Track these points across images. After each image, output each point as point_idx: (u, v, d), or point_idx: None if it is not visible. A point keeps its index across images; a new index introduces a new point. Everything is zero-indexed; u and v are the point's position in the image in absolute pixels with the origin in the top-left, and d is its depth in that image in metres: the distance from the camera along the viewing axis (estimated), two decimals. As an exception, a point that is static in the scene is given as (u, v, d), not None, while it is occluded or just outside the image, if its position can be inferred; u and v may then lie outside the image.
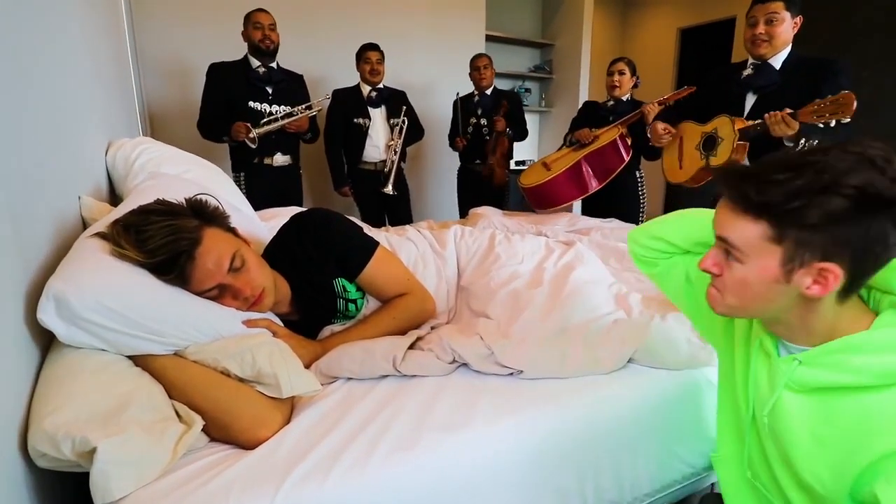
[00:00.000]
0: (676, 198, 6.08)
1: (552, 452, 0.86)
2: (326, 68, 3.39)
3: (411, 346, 1.02)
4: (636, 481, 0.96)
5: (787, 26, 1.70)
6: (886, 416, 0.57)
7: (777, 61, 1.75)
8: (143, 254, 0.81)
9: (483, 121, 3.06)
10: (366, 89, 2.83)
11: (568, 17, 4.66)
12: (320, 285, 1.09)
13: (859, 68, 3.61)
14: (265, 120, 2.32)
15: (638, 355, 1.03)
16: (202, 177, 1.40)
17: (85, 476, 0.65)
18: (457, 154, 3.27)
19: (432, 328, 1.17)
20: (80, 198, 1.12)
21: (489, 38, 4.25)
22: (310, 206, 2.80)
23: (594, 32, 5.41)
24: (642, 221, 2.58)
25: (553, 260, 1.36)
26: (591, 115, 2.64)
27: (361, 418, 0.83)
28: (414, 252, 1.28)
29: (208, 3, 2.97)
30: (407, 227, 1.89)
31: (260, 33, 2.34)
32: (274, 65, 2.45)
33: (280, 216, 1.56)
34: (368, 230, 1.30)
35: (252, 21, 2.36)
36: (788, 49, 1.75)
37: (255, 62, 2.40)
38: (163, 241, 0.82)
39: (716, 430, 0.83)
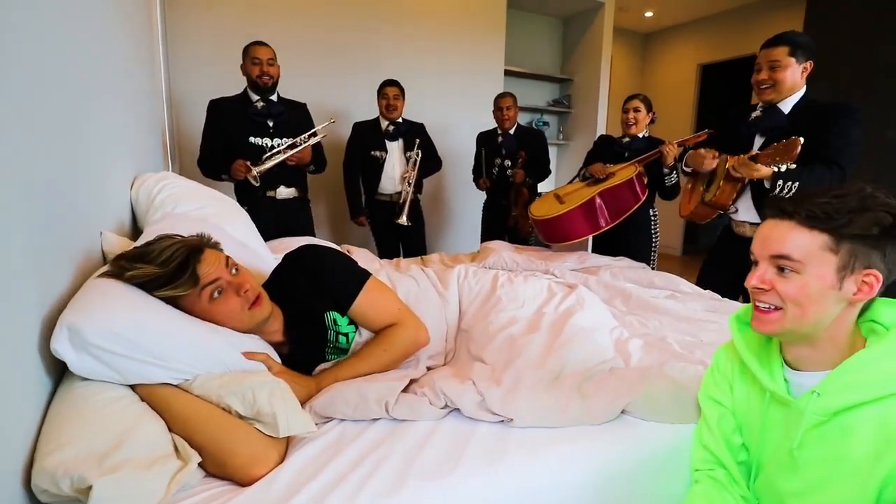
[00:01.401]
0: (694, 234, 6.03)
1: (535, 503, 0.86)
2: (350, 100, 3.51)
3: (405, 389, 1.04)
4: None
5: (793, 72, 1.70)
6: None
7: (787, 105, 1.76)
8: (157, 266, 0.91)
9: (507, 162, 3.08)
10: (384, 123, 2.92)
11: (587, 52, 4.74)
12: (312, 318, 1.13)
13: (884, 108, 3.57)
14: (266, 155, 2.29)
15: (632, 407, 1.02)
16: (216, 213, 1.47)
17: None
18: (472, 187, 3.34)
19: (428, 369, 1.19)
20: (101, 233, 1.19)
21: (508, 73, 4.35)
22: (322, 237, 2.88)
23: (614, 67, 5.49)
24: (654, 259, 2.57)
25: (554, 304, 1.38)
26: (607, 150, 2.64)
27: (350, 461, 0.85)
28: (414, 289, 1.31)
29: (240, 37, 3.12)
30: (412, 265, 1.92)
31: (258, 69, 2.30)
32: (274, 97, 2.42)
33: (291, 245, 1.62)
34: (369, 265, 1.34)
35: (250, 56, 2.32)
36: (802, 93, 1.76)
37: (254, 96, 2.37)
38: (172, 251, 0.94)
39: None
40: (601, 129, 4.67)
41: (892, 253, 0.69)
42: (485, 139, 3.23)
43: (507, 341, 1.19)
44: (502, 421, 0.98)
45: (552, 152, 5.17)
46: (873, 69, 3.59)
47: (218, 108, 2.38)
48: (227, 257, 1.03)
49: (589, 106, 4.75)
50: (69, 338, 0.75)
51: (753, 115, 1.83)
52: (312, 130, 2.43)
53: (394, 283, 1.29)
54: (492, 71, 4.10)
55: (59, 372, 0.85)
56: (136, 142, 1.82)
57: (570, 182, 2.69)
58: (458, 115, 3.93)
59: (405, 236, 3.08)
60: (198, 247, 0.98)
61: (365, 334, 1.16)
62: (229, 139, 2.35)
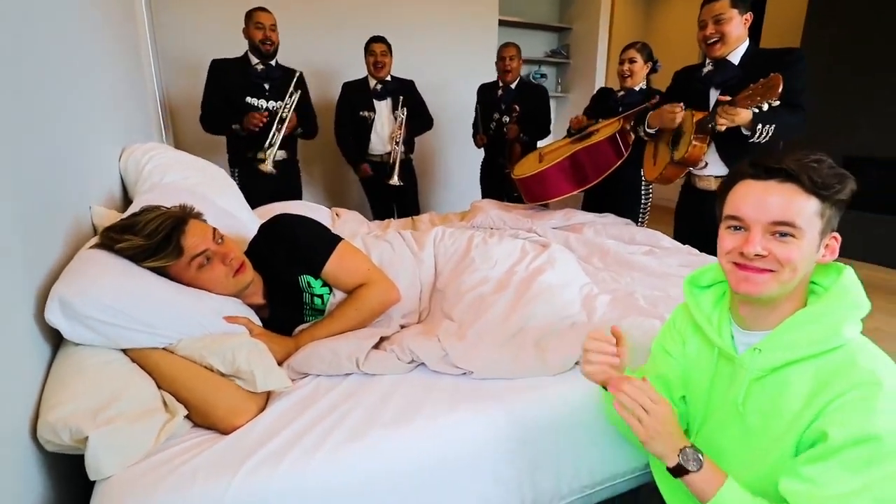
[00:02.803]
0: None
1: (490, 448, 0.95)
2: (337, 60, 3.47)
3: (376, 346, 1.13)
4: (576, 474, 1.04)
5: (737, 23, 1.71)
6: (833, 371, 0.69)
7: (735, 57, 1.77)
8: (143, 238, 0.99)
9: (505, 118, 2.98)
10: (372, 82, 2.89)
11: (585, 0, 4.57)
12: (288, 282, 1.22)
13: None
14: (267, 145, 2.38)
15: (586, 359, 1.10)
16: (203, 182, 1.53)
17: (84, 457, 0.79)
18: (468, 144, 3.29)
19: (402, 327, 1.27)
20: (90, 207, 1.26)
21: (503, 23, 4.23)
22: (316, 200, 2.93)
23: (617, 16, 5.28)
24: (643, 218, 2.57)
25: (525, 263, 1.44)
26: (603, 104, 2.56)
27: (321, 411, 0.95)
28: (388, 252, 1.38)
29: (228, 1, 3.07)
30: (390, 228, 1.97)
31: (261, 34, 2.41)
32: (273, 62, 2.52)
33: (278, 211, 1.69)
34: (356, 228, 1.39)
35: (254, 21, 2.41)
36: (746, 44, 1.77)
37: (254, 59, 2.48)
38: (157, 223, 1.01)
39: None
40: (600, 81, 4.57)
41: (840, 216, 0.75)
42: (484, 92, 3.13)
43: (477, 300, 1.27)
44: (465, 373, 1.07)
45: (551, 105, 5.09)
46: (878, 9, 3.43)
47: (219, 68, 2.48)
48: (213, 228, 1.11)
49: (588, 56, 4.63)
50: (61, 309, 0.84)
51: (704, 70, 1.84)
52: (290, 94, 2.49)
53: (368, 248, 1.36)
54: (485, 21, 3.99)
55: (57, 338, 0.95)
56: (125, 111, 1.86)
57: (561, 139, 2.66)
58: (452, 69, 3.86)
59: (398, 197, 3.12)
60: (182, 218, 1.05)
61: (339, 295, 1.24)
62: (227, 98, 2.45)
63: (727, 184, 0.80)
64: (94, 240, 1.03)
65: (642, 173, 2.43)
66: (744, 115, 1.58)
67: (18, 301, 0.82)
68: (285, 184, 2.63)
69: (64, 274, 0.90)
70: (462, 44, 3.86)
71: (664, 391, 0.95)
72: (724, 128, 1.63)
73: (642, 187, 2.52)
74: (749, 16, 1.73)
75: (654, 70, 2.46)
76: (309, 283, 1.22)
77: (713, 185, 1.86)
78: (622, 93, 2.48)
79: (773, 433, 0.73)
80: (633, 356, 1.09)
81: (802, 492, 0.66)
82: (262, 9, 2.45)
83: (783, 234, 0.71)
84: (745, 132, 1.65)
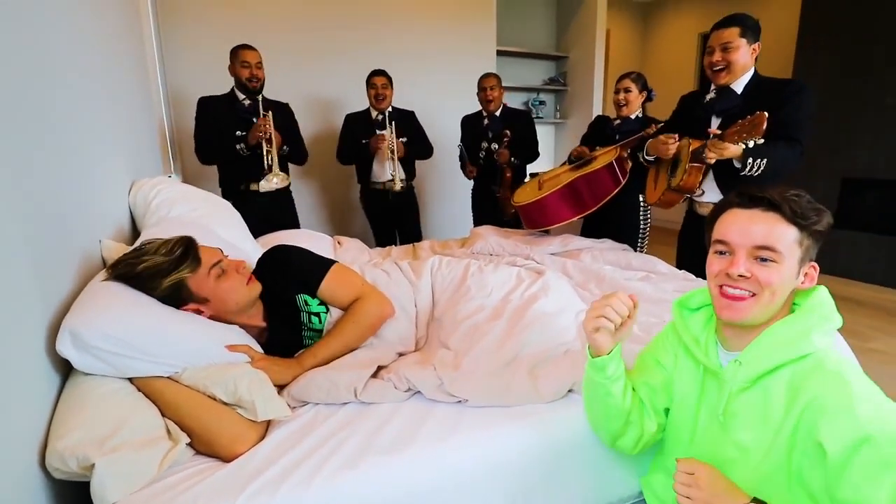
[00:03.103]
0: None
1: (483, 475, 0.97)
2: (339, 91, 3.59)
3: (374, 375, 1.16)
4: (569, 500, 1.06)
5: (744, 53, 1.75)
6: (807, 376, 0.73)
7: (739, 85, 1.81)
8: (163, 255, 1.07)
9: (494, 146, 3.03)
10: (374, 113, 2.99)
11: (582, 27, 4.71)
12: (286, 303, 1.27)
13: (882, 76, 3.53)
14: (266, 167, 2.42)
15: (579, 387, 1.13)
16: (207, 214, 1.59)
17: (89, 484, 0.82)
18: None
19: (399, 355, 1.31)
20: (100, 241, 1.31)
21: (501, 53, 4.36)
22: (318, 228, 2.99)
23: (613, 40, 5.43)
24: (643, 243, 2.60)
25: (520, 291, 1.48)
26: (600, 132, 2.62)
27: (319, 439, 0.97)
28: (382, 278, 1.42)
29: (232, 37, 3.20)
30: (391, 256, 2.02)
31: (248, 72, 2.46)
32: (259, 97, 2.55)
33: (280, 239, 1.76)
34: (359, 256, 1.44)
35: (240, 59, 2.46)
36: (751, 73, 1.81)
37: (240, 95, 2.53)
38: (170, 245, 1.10)
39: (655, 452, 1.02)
40: (597, 107, 4.67)
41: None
42: (469, 123, 3.18)
43: (472, 328, 1.30)
44: (460, 401, 1.10)
45: (549, 131, 5.21)
46: (874, 33, 3.53)
47: (207, 105, 2.53)
48: (219, 248, 1.20)
49: (585, 83, 4.74)
50: (71, 340, 0.88)
51: (708, 97, 1.88)
52: (262, 115, 2.48)
53: (364, 274, 1.41)
54: (483, 52, 4.11)
55: (66, 368, 0.99)
56: (133, 147, 1.94)
57: (560, 166, 2.72)
58: (450, 99, 3.96)
59: (400, 223, 3.18)
60: (191, 238, 1.15)
61: (335, 314, 1.29)
62: (219, 134, 2.48)
63: (716, 212, 0.86)
64: (103, 273, 1.08)
65: (641, 199, 2.51)
66: (732, 150, 1.61)
67: (32, 333, 0.87)
68: (279, 213, 2.67)
69: (74, 306, 0.95)
70: (461, 74, 3.97)
71: (650, 399, 0.97)
72: (713, 160, 1.68)
73: (641, 212, 2.56)
74: (758, 46, 1.76)
75: (649, 99, 2.53)
76: (306, 302, 1.28)
77: None
78: (619, 121, 2.54)
79: (763, 445, 0.77)
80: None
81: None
82: (248, 46, 2.50)
83: (764, 259, 0.77)
84: (736, 165, 1.68)
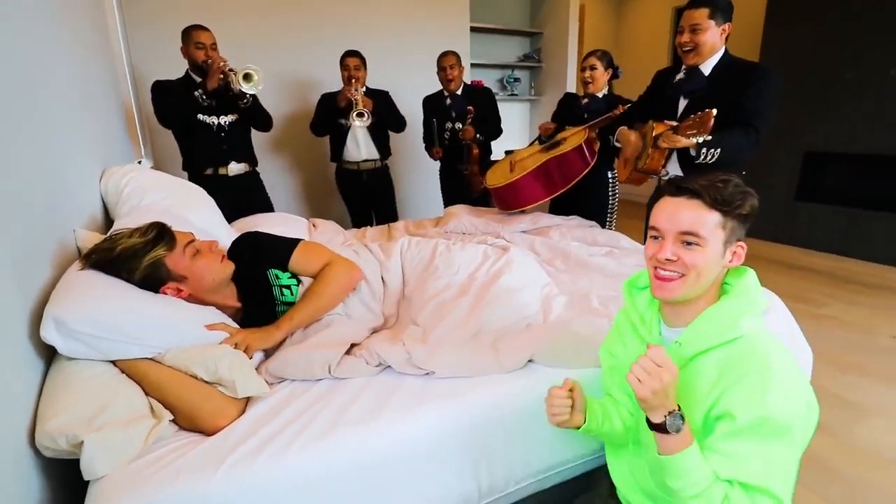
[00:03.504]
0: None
1: (449, 440, 1.07)
2: (314, 70, 3.56)
3: (348, 352, 1.24)
4: (528, 460, 1.16)
5: (713, 34, 1.78)
6: (734, 359, 0.81)
7: (707, 67, 1.85)
8: (140, 236, 1.13)
9: (458, 125, 3.06)
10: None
11: (555, 4, 4.71)
12: (257, 280, 1.34)
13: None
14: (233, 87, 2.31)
15: (538, 357, 1.22)
16: (179, 202, 1.62)
17: (78, 461, 0.89)
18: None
19: (373, 332, 1.38)
20: (74, 230, 1.34)
21: (475, 30, 4.35)
22: (294, 211, 3.01)
23: (588, 17, 5.45)
24: (610, 221, 2.70)
25: (486, 268, 1.56)
26: (569, 110, 2.67)
27: (295, 413, 1.05)
28: (352, 256, 1.49)
29: (202, 14, 3.14)
30: (366, 237, 2.08)
31: (203, 53, 2.37)
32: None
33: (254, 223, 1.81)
34: (334, 237, 1.51)
35: (194, 41, 2.37)
36: (720, 54, 1.84)
37: (196, 79, 2.44)
38: (144, 228, 1.15)
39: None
40: (571, 83, 4.72)
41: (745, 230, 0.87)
42: (431, 104, 3.19)
43: (439, 306, 1.38)
44: (427, 374, 1.18)
45: (525, 108, 5.24)
46: (838, 9, 3.61)
47: (163, 88, 2.42)
48: (190, 232, 1.25)
49: (559, 59, 4.77)
50: (55, 327, 0.93)
51: (677, 77, 1.93)
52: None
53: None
54: (457, 28, 4.10)
55: (49, 354, 1.04)
56: (102, 132, 1.94)
57: (530, 145, 2.78)
58: (423, 76, 3.95)
59: (375, 204, 3.22)
60: (162, 222, 1.20)
61: (307, 285, 1.37)
62: (180, 118, 2.42)
63: (652, 200, 0.94)
64: (78, 263, 1.12)
65: (609, 175, 2.61)
66: (684, 142, 1.67)
67: (14, 321, 0.91)
68: (248, 197, 2.63)
69: (55, 294, 0.99)
70: (434, 51, 3.95)
71: (618, 379, 1.07)
72: (666, 149, 1.76)
73: (609, 188, 2.65)
74: (728, 26, 1.80)
75: (615, 76, 2.57)
76: (277, 276, 1.36)
77: None
78: (586, 100, 2.59)
79: (688, 413, 0.84)
80: (582, 350, 1.23)
81: (719, 461, 0.78)
82: (201, 27, 2.40)
83: (689, 243, 0.85)
84: (692, 153, 1.74)
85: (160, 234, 1.15)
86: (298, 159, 3.73)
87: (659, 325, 0.97)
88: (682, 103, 1.92)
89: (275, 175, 3.49)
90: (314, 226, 2.31)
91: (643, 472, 0.95)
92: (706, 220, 0.83)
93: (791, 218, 4.11)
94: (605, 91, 2.59)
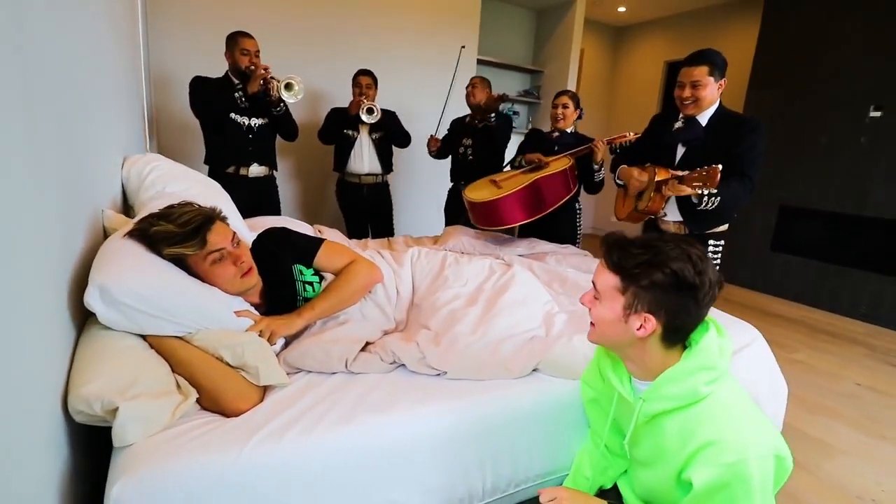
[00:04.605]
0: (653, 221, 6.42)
1: (459, 436, 1.13)
2: (328, 85, 3.67)
3: (362, 349, 1.29)
4: (530, 463, 1.23)
5: (712, 89, 1.94)
6: (694, 423, 0.84)
7: (704, 117, 2.00)
8: (177, 226, 1.15)
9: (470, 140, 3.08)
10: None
11: (558, 45, 4.97)
12: (282, 275, 1.39)
13: (820, 114, 3.92)
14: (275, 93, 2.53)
15: (543, 366, 1.30)
16: (201, 194, 1.65)
17: (106, 430, 0.92)
18: (444, 173, 3.41)
19: (385, 333, 1.44)
20: (103, 211, 1.38)
21: (481, 62, 4.55)
22: (294, 217, 3.07)
23: (586, 59, 5.73)
24: (578, 241, 2.83)
25: (492, 282, 1.64)
26: (538, 143, 2.81)
27: (315, 399, 1.10)
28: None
29: (218, 19, 3.24)
30: (368, 249, 2.14)
31: (247, 60, 2.51)
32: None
33: (266, 223, 1.85)
34: None
35: (240, 47, 2.50)
36: (716, 106, 2.00)
37: (235, 81, 2.57)
38: (191, 216, 1.18)
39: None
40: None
41: (669, 303, 0.84)
42: (456, 124, 3.25)
43: (450, 313, 1.45)
44: (439, 374, 1.24)
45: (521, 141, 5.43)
46: (815, 76, 3.93)
47: (202, 83, 2.55)
48: (234, 232, 1.27)
49: (557, 97, 4.99)
50: (100, 294, 0.97)
51: (676, 125, 2.08)
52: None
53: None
54: (465, 60, 4.28)
55: (82, 321, 1.07)
56: (125, 122, 1.99)
57: (505, 171, 2.84)
58: (431, 102, 4.11)
59: (373, 218, 3.30)
60: (211, 216, 1.23)
61: (329, 281, 1.43)
62: (214, 114, 2.53)
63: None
64: (130, 226, 1.17)
65: (577, 207, 2.77)
66: (689, 191, 1.80)
67: (56, 287, 0.95)
68: (265, 198, 2.76)
69: (100, 261, 1.03)
70: (442, 79, 4.12)
71: (598, 413, 1.15)
72: (669, 196, 1.90)
73: (577, 217, 2.83)
74: (723, 82, 1.94)
75: (579, 117, 2.79)
76: (301, 272, 1.41)
77: (672, 229, 2.11)
78: (557, 134, 2.79)
79: (657, 463, 0.92)
80: (582, 365, 1.31)
81: None
82: (247, 34, 2.54)
83: (595, 297, 0.93)
84: (693, 200, 1.87)
85: (195, 232, 1.16)
86: (300, 168, 3.80)
87: (629, 375, 1.00)
88: (680, 150, 2.07)
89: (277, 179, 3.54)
90: (319, 231, 2.36)
91: (641, 485, 1.02)
92: (603, 279, 0.90)
93: (767, 267, 4.34)
94: (572, 128, 2.79)
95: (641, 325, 0.86)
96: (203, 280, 1.20)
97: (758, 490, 0.77)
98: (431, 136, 3.25)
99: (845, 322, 3.71)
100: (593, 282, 0.92)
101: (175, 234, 1.15)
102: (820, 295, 4.00)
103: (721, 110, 2.02)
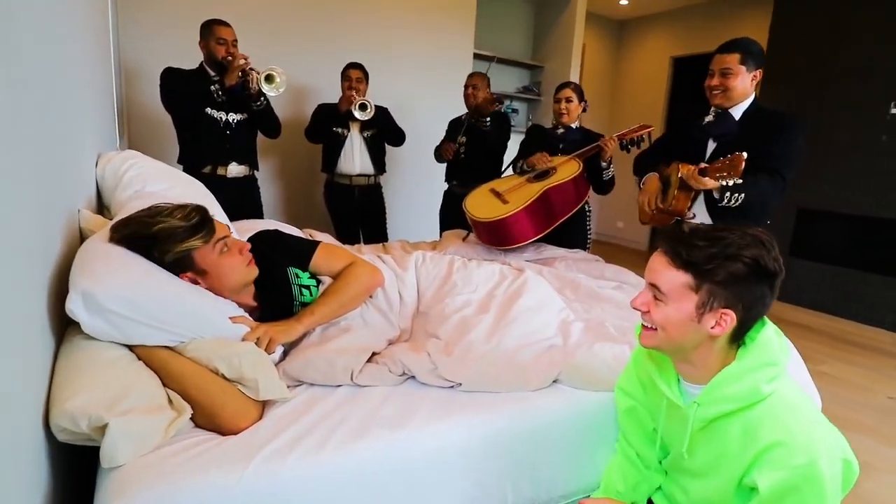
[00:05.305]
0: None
1: (476, 453, 1.12)
2: (315, 80, 3.67)
3: (369, 360, 1.28)
4: (553, 482, 1.22)
5: (744, 80, 1.90)
6: (756, 425, 0.84)
7: (738, 111, 1.96)
8: (180, 220, 1.15)
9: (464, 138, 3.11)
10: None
11: (558, 39, 5.03)
12: (277, 279, 1.39)
13: (834, 112, 4.01)
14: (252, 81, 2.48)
15: (563, 377, 1.30)
16: (183, 194, 1.64)
17: (91, 450, 0.89)
18: (440, 174, 3.44)
19: (390, 343, 1.43)
20: (79, 210, 1.36)
21: (478, 57, 4.59)
22: (278, 219, 3.05)
23: (587, 55, 5.81)
24: (588, 246, 2.81)
25: (504, 287, 1.64)
26: (540, 141, 2.76)
27: (321, 414, 1.09)
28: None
29: (194, 9, 3.22)
30: (369, 252, 2.14)
31: (224, 49, 2.48)
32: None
33: (252, 227, 1.84)
34: None
35: (216, 36, 2.47)
36: (751, 100, 1.97)
37: (211, 73, 2.55)
38: (186, 211, 1.18)
39: None
40: (570, 119, 4.99)
41: (747, 295, 0.84)
42: (453, 124, 3.29)
43: (461, 321, 1.45)
44: (452, 386, 1.24)
45: (520, 140, 5.47)
46: (831, 73, 4.03)
47: (175, 75, 2.51)
48: (227, 225, 1.29)
49: (559, 94, 5.05)
50: (83, 302, 0.95)
51: (706, 119, 2.06)
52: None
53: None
54: (461, 54, 4.32)
55: (61, 331, 1.05)
56: (95, 116, 1.96)
57: (507, 176, 2.77)
58: (425, 98, 4.13)
59: (364, 222, 3.29)
60: (205, 208, 1.23)
61: (326, 285, 1.42)
62: (188, 109, 2.50)
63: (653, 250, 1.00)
64: (106, 232, 1.14)
65: (587, 208, 2.71)
66: (711, 185, 1.78)
67: (34, 293, 0.93)
68: (245, 200, 2.73)
69: (82, 267, 1.01)
70: (437, 75, 4.16)
71: (635, 424, 1.14)
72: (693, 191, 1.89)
73: (587, 222, 2.79)
74: (758, 73, 1.90)
75: (584, 110, 2.72)
76: (297, 275, 1.41)
77: None
78: (562, 130, 2.72)
79: (715, 471, 0.91)
80: (605, 374, 1.31)
81: None
82: (223, 22, 2.51)
83: (656, 298, 0.91)
84: (715, 196, 1.86)
85: (202, 222, 1.18)
86: (284, 168, 3.78)
87: (677, 377, 1.00)
88: (711, 146, 2.04)
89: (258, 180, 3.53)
90: (311, 235, 2.35)
91: (691, 499, 1.01)
92: (669, 278, 0.87)
93: (786, 273, 4.38)
94: (577, 123, 2.74)
95: (717, 323, 0.85)
96: (208, 275, 1.19)
97: (830, 493, 0.77)
98: (450, 143, 3.16)
99: (871, 331, 3.76)
100: (652, 283, 0.89)
101: (182, 229, 1.15)
102: (841, 303, 4.06)
103: (757, 104, 1.99)
